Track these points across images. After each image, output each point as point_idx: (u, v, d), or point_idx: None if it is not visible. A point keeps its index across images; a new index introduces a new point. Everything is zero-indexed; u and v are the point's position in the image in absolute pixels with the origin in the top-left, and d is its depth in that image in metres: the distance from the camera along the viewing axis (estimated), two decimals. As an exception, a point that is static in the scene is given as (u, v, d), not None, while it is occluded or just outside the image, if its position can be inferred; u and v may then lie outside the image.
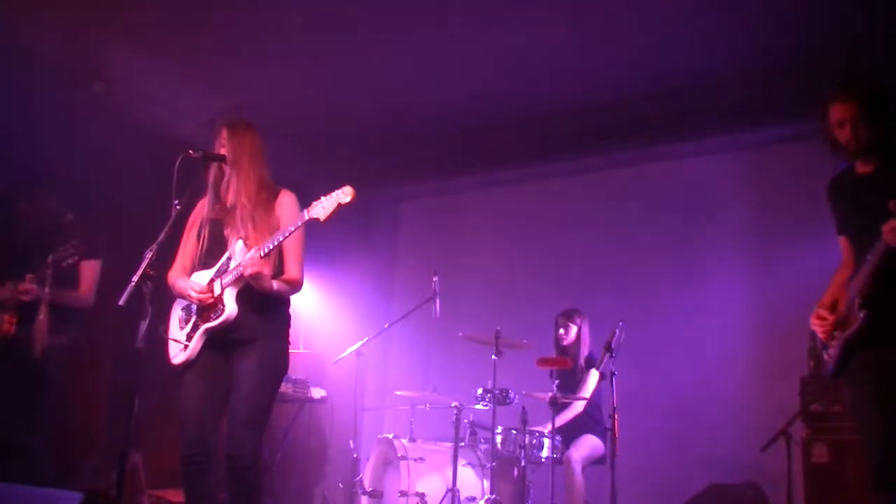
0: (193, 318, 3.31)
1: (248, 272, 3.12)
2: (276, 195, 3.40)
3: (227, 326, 3.22)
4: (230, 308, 3.20)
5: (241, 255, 3.20)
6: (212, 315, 3.24)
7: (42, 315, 4.12)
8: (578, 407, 5.10)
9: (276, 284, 3.26)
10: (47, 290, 4.09)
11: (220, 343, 3.27)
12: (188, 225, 3.44)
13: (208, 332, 3.24)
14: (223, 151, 3.38)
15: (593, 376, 5.16)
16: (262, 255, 3.14)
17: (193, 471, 3.19)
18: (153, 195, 3.49)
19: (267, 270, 3.20)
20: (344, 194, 3.07)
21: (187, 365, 3.28)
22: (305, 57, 5.07)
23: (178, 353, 3.31)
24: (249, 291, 3.22)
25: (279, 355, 3.34)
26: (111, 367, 5.64)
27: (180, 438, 3.21)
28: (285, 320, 3.41)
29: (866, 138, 2.97)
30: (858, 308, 2.87)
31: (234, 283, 3.21)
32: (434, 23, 4.65)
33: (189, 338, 3.28)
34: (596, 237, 6.23)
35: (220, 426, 3.28)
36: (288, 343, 3.41)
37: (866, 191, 3.02)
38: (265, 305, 3.28)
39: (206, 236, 3.37)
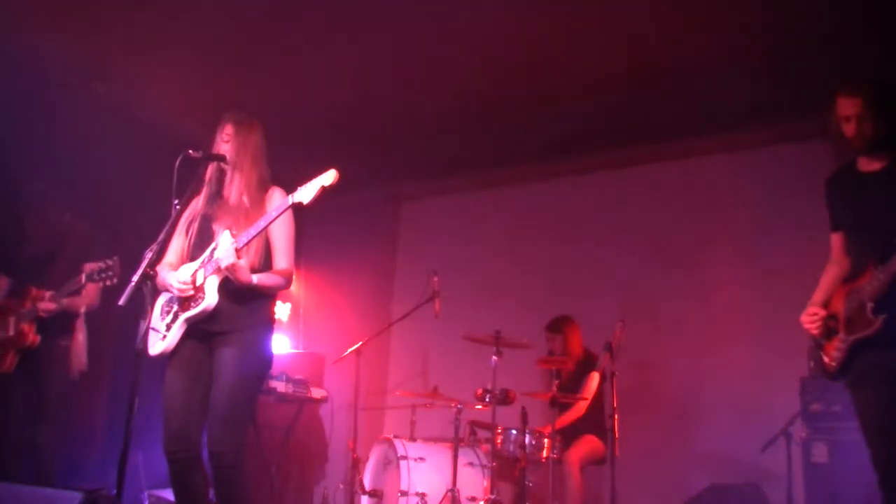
0: (175, 309, 3.27)
1: (223, 264, 3.09)
2: (266, 191, 3.39)
3: (206, 316, 3.17)
4: (210, 297, 3.15)
5: (224, 245, 3.17)
6: (192, 304, 3.19)
7: (81, 334, 4.23)
8: (581, 408, 5.10)
9: (258, 278, 3.20)
10: (83, 308, 4.21)
11: (201, 335, 3.23)
12: (179, 222, 3.37)
13: (188, 321, 3.20)
14: (226, 146, 3.37)
15: (594, 379, 5.16)
16: (239, 246, 3.10)
17: (180, 469, 3.15)
18: (153, 195, 3.49)
19: (245, 262, 3.14)
20: (327, 177, 3.02)
21: (168, 358, 3.24)
22: (304, 57, 5.06)
23: (156, 343, 3.25)
24: (232, 283, 3.18)
25: (260, 349, 3.29)
26: (111, 367, 5.65)
27: (164, 436, 3.17)
28: (268, 316, 3.37)
29: (871, 135, 2.98)
30: (872, 312, 2.84)
31: (216, 272, 3.17)
32: (433, 22, 4.65)
33: (168, 328, 3.24)
34: (596, 237, 6.24)
35: (205, 422, 3.23)
36: (269, 338, 3.36)
37: (871, 189, 3.01)
38: (247, 298, 3.23)
39: (195, 231, 3.34)
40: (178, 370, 3.23)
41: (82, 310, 4.26)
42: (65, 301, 4.15)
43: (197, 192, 3.39)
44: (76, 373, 4.22)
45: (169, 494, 5.19)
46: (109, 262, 3.84)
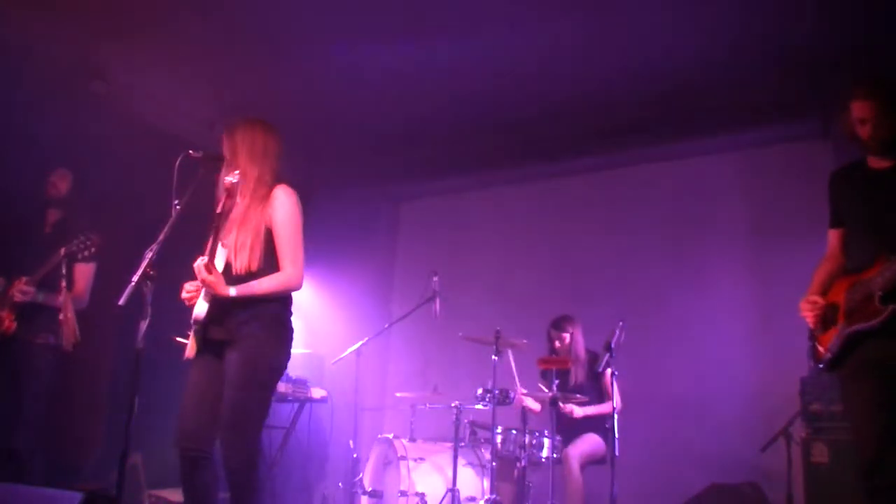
0: None
1: (198, 279, 3.13)
2: (271, 190, 3.29)
3: (198, 325, 3.19)
4: (197, 309, 3.19)
5: (220, 256, 3.20)
6: None
7: (69, 314, 4.18)
8: (606, 407, 5.07)
9: (237, 290, 3.14)
10: (64, 285, 4.12)
11: (209, 343, 3.24)
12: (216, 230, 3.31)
13: (193, 330, 3.23)
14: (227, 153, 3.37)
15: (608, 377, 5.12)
16: (207, 262, 3.12)
17: (190, 466, 3.16)
18: (153, 195, 3.49)
19: (214, 278, 3.09)
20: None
21: (192, 362, 3.27)
22: (305, 57, 5.07)
23: (187, 349, 3.30)
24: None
25: (263, 358, 3.19)
26: (111, 367, 5.65)
27: (177, 432, 3.19)
28: (272, 321, 3.24)
29: (887, 137, 2.99)
30: (879, 301, 2.84)
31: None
32: (433, 23, 4.65)
33: (188, 336, 3.28)
34: (596, 237, 6.24)
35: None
36: (275, 344, 3.24)
37: (880, 186, 3.03)
38: (246, 306, 3.18)
39: (213, 237, 3.32)
40: (197, 371, 3.26)
41: (60, 299, 4.22)
42: (40, 293, 4.12)
43: (202, 195, 3.37)
44: (69, 344, 4.18)
45: (169, 494, 5.20)
46: (87, 237, 3.84)
